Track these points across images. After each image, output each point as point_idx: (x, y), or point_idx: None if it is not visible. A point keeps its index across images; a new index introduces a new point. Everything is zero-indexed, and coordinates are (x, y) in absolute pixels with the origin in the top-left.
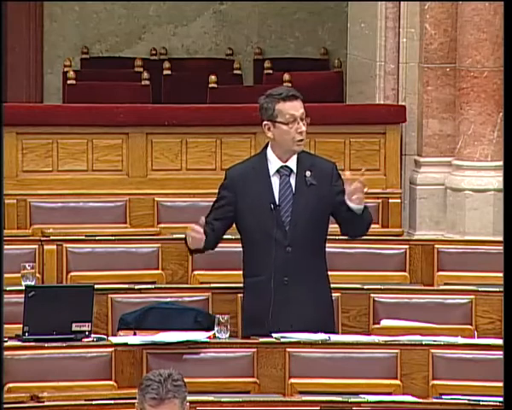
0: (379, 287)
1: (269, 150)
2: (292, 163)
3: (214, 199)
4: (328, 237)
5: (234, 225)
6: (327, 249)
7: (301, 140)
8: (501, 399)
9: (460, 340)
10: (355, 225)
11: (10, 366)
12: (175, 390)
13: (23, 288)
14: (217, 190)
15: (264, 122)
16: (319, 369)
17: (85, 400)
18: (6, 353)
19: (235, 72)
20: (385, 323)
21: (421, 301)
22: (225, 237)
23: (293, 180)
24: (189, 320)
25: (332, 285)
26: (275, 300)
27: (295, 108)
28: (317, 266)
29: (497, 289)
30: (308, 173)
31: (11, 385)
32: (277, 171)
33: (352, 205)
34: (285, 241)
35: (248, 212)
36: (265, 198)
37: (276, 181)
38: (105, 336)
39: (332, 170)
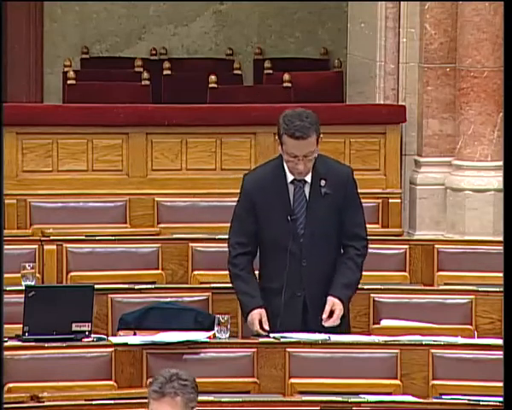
0: (379, 287)
1: None
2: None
3: (217, 199)
4: None
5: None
6: None
7: (299, 173)
8: (501, 399)
9: (460, 340)
10: None
11: (10, 366)
12: (178, 388)
13: (23, 288)
14: (218, 191)
15: (276, 137)
16: (319, 369)
17: (85, 400)
18: (6, 353)
19: (235, 72)
20: (385, 323)
21: (421, 301)
22: (225, 237)
23: (307, 190)
24: (189, 320)
25: None
26: (285, 309)
27: (298, 148)
28: (330, 278)
29: (497, 289)
30: (323, 183)
31: (11, 385)
32: (291, 182)
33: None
34: (301, 254)
35: (265, 221)
36: (282, 209)
37: (291, 191)
38: (105, 336)
39: (348, 176)
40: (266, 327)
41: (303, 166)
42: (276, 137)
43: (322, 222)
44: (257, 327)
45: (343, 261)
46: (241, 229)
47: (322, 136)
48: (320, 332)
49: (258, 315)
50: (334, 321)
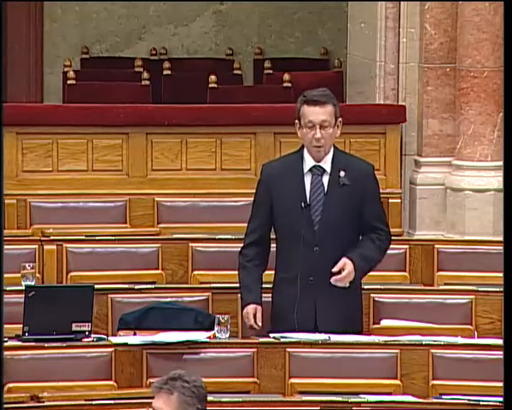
0: (379, 287)
1: (304, 149)
2: (326, 163)
3: (217, 200)
4: None
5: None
6: None
7: (318, 146)
8: (501, 399)
9: (460, 340)
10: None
11: (10, 366)
12: (176, 387)
13: (23, 288)
14: (218, 191)
15: (295, 121)
16: (319, 369)
17: (85, 400)
18: (6, 353)
19: (235, 72)
20: (385, 323)
21: (421, 301)
22: (225, 237)
23: (325, 180)
24: (189, 320)
25: None
26: (300, 298)
27: (315, 113)
28: None
29: (497, 289)
30: (342, 174)
31: (11, 385)
32: (310, 170)
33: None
34: (313, 241)
35: (280, 209)
36: (297, 197)
37: (308, 180)
38: (105, 336)
39: (368, 172)
40: (259, 323)
41: (320, 134)
42: (295, 121)
43: (338, 212)
44: (252, 322)
45: (362, 240)
46: (256, 217)
47: (341, 120)
48: (333, 316)
49: (253, 309)
50: (343, 279)
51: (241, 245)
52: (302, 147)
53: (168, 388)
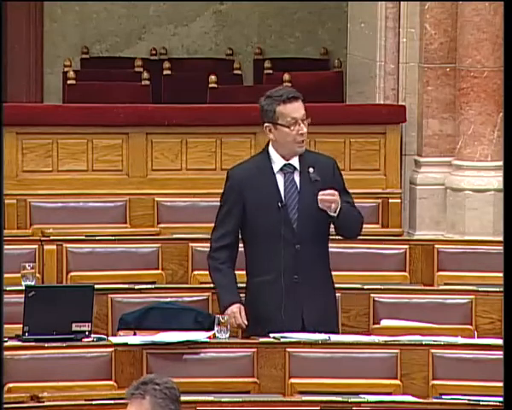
0: (379, 287)
1: (271, 149)
2: (295, 161)
3: (217, 200)
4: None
5: None
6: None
7: (303, 141)
8: (501, 399)
9: (460, 340)
10: (342, 227)
11: (10, 366)
12: (146, 390)
13: (23, 288)
14: (218, 191)
15: (266, 124)
16: (319, 369)
17: (85, 400)
18: (6, 353)
19: (235, 72)
20: (385, 323)
21: (421, 301)
22: None
23: (297, 177)
24: (189, 320)
25: None
26: (286, 298)
27: (296, 109)
28: (323, 263)
29: (497, 289)
30: (311, 170)
31: (11, 385)
32: (281, 169)
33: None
34: (294, 239)
35: (255, 211)
36: (271, 197)
37: (280, 179)
38: (105, 336)
39: (333, 166)
40: (245, 321)
41: (305, 128)
42: (266, 125)
43: (313, 208)
44: (239, 320)
45: None
46: (227, 221)
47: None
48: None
49: (238, 308)
50: (330, 195)
51: (209, 249)
52: (266, 147)
53: (140, 392)
